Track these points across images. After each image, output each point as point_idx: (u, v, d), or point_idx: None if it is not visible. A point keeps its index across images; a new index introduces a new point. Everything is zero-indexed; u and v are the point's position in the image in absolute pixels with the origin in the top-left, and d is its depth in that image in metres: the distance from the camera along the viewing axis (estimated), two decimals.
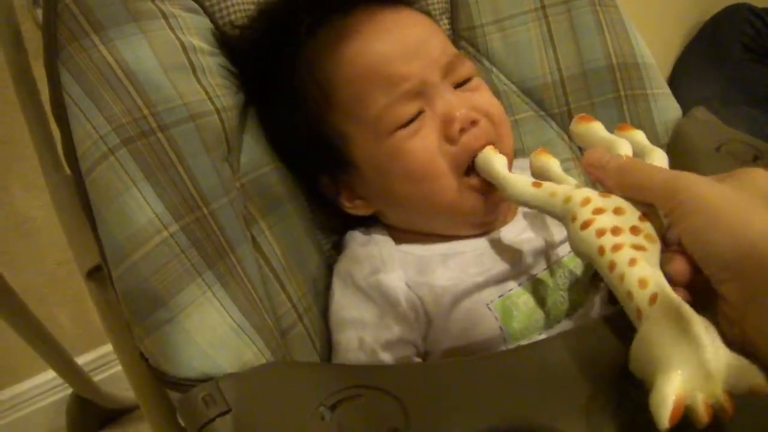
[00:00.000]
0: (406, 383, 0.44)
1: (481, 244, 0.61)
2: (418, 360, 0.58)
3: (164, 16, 0.55)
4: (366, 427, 0.41)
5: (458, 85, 0.61)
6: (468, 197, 0.59)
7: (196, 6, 0.61)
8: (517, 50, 0.76)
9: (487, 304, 0.57)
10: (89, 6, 0.50)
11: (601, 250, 0.44)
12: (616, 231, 0.44)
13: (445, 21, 0.77)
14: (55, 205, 0.57)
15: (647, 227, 0.45)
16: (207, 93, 0.55)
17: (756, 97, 1.70)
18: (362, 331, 0.57)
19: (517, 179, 0.53)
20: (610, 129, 0.54)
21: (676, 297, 0.39)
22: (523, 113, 0.77)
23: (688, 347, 0.37)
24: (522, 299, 0.58)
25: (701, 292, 0.42)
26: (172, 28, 0.55)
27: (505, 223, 0.63)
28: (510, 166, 0.58)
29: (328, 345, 0.60)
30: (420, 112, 0.58)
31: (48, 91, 0.51)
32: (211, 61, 0.59)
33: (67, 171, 0.52)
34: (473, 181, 0.58)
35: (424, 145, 0.58)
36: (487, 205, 0.59)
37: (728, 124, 0.72)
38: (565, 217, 0.48)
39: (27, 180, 1.03)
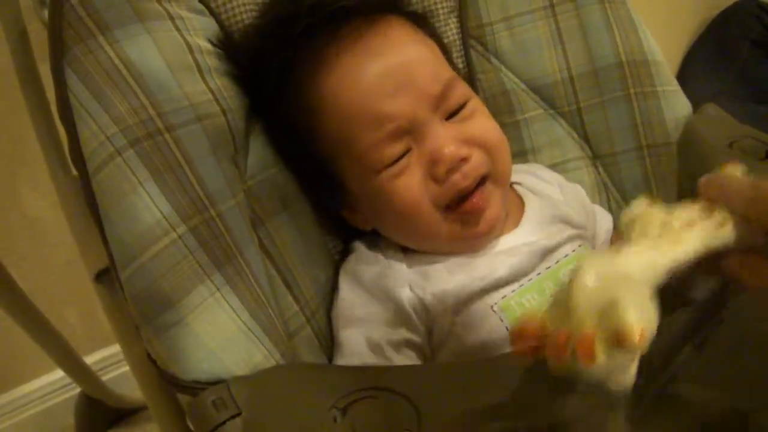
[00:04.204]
0: (418, 385, 0.44)
1: (486, 250, 0.61)
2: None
3: (170, 17, 0.55)
4: (378, 429, 0.41)
5: (451, 114, 0.59)
6: (453, 230, 0.59)
7: (202, 7, 0.60)
8: (526, 48, 0.75)
9: (492, 306, 0.57)
10: (95, 7, 0.50)
11: None
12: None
13: (454, 20, 0.76)
14: (63, 206, 0.57)
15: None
16: (213, 94, 0.55)
17: (764, 93, 1.69)
18: (369, 330, 0.57)
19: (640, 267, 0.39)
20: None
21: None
22: (533, 111, 0.76)
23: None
24: (526, 298, 0.58)
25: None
26: (178, 29, 0.55)
27: (508, 229, 0.63)
28: (508, 181, 0.60)
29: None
30: (407, 150, 0.57)
31: (54, 93, 0.51)
32: (218, 63, 0.58)
33: (75, 172, 0.52)
34: (457, 215, 0.58)
35: (408, 184, 0.57)
36: (472, 234, 0.59)
37: (737, 120, 0.71)
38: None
39: (35, 180, 1.03)
